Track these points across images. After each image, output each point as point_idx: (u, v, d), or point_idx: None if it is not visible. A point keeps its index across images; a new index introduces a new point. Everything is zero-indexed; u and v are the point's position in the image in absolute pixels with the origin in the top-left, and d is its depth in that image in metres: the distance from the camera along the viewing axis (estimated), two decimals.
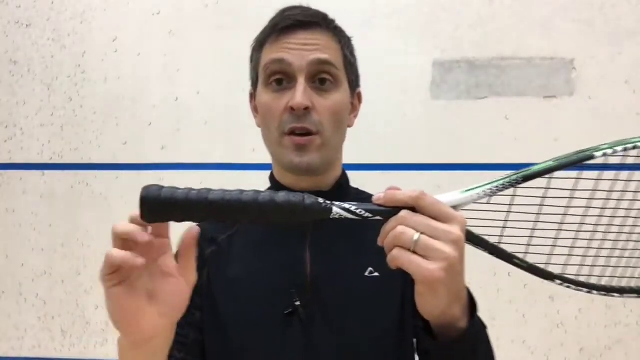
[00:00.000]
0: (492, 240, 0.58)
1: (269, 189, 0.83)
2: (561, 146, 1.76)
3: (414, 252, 0.50)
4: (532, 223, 0.64)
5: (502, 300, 1.79)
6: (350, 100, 0.81)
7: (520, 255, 0.60)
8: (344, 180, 0.85)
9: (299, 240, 0.76)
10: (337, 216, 0.53)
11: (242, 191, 0.53)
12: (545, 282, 0.59)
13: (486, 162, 1.79)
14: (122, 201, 1.95)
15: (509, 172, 0.58)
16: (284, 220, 0.53)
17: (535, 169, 0.59)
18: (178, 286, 0.56)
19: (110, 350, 1.98)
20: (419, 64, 1.82)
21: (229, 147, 1.89)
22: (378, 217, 0.53)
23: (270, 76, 0.75)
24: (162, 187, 0.53)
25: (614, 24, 1.76)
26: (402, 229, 0.51)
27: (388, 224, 0.53)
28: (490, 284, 1.78)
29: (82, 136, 1.98)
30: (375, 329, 0.73)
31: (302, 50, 0.74)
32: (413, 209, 0.52)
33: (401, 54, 1.81)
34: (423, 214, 0.51)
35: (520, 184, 0.58)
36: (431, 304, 0.53)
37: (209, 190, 0.53)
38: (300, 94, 0.72)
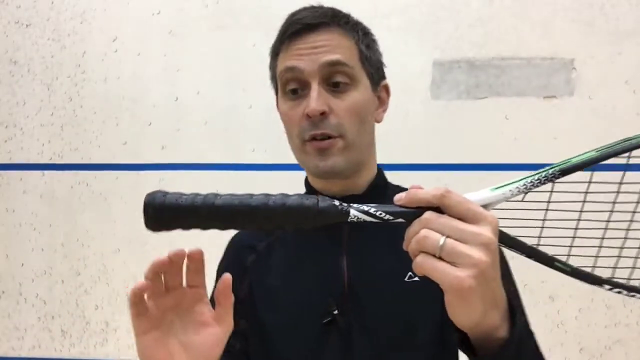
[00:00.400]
0: (530, 242, 0.53)
1: (305, 193, 0.82)
2: (561, 146, 1.76)
3: (440, 258, 0.45)
4: (574, 222, 0.57)
5: None
6: (374, 94, 0.78)
7: (563, 258, 0.54)
8: (379, 180, 0.82)
9: (335, 247, 0.75)
10: (355, 219, 0.49)
11: (251, 195, 0.50)
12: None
13: (486, 162, 1.79)
14: (122, 201, 1.95)
15: (545, 168, 0.52)
16: (298, 225, 0.50)
17: (574, 161, 0.52)
18: (213, 335, 0.56)
19: (110, 350, 1.98)
20: (419, 64, 1.82)
21: (228, 147, 1.89)
22: (400, 220, 0.49)
23: (285, 85, 0.74)
24: (167, 193, 0.51)
25: (614, 24, 1.76)
26: (425, 232, 0.46)
27: (411, 227, 0.48)
28: None
29: (82, 136, 1.98)
30: (416, 335, 0.71)
31: (312, 54, 0.72)
32: (438, 209, 0.47)
33: (401, 54, 1.81)
34: (449, 214, 0.46)
35: (558, 178, 0.52)
36: (464, 315, 0.48)
37: (216, 195, 0.50)
38: (314, 100, 0.70)
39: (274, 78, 0.79)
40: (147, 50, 1.95)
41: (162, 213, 0.49)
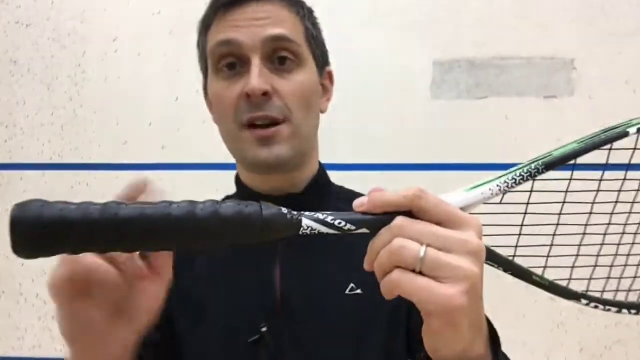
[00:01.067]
0: (506, 252, 0.47)
1: (235, 193, 0.74)
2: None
3: (420, 273, 0.36)
4: (552, 227, 0.50)
5: (502, 300, 1.79)
6: (320, 80, 0.69)
7: (539, 270, 0.48)
8: (321, 177, 0.72)
9: (267, 254, 0.66)
10: (308, 231, 0.39)
11: (170, 203, 0.38)
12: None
13: (486, 162, 1.79)
14: None
15: (524, 162, 0.46)
16: (235, 242, 0.38)
17: (557, 153, 0.46)
18: (150, 292, 0.44)
19: None
20: (419, 64, 1.82)
21: None
22: (364, 230, 0.39)
23: (218, 61, 0.64)
24: (46, 203, 0.37)
25: (614, 24, 1.76)
26: (400, 241, 0.37)
27: (378, 238, 0.38)
28: (490, 284, 1.77)
29: (82, 136, 1.98)
30: (357, 357, 0.62)
31: (253, 27, 0.62)
32: (408, 214, 0.38)
33: (401, 54, 1.81)
34: (424, 219, 0.38)
35: (541, 174, 0.45)
36: (449, 343, 0.38)
37: (119, 204, 0.37)
38: (255, 76, 0.60)
39: (202, 57, 0.70)
40: (147, 50, 1.94)
41: (40, 231, 0.36)
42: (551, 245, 0.52)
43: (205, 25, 0.68)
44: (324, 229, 0.40)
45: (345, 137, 1.75)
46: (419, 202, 0.38)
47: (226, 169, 1.88)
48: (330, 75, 0.74)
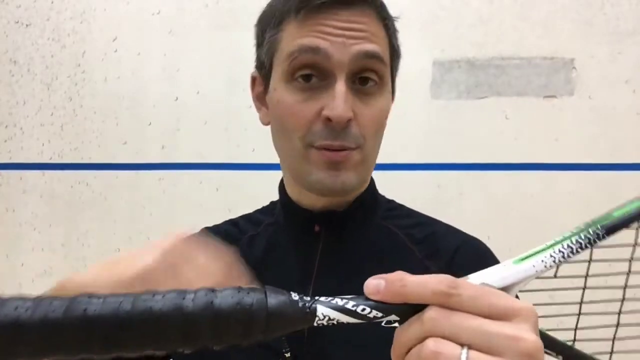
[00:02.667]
0: (564, 336, 0.40)
1: (279, 202, 0.69)
2: (561, 146, 1.77)
3: None
4: (616, 303, 0.42)
5: None
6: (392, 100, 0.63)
7: (605, 358, 0.42)
8: (367, 195, 0.65)
9: (303, 269, 0.61)
10: (325, 321, 0.32)
11: (153, 293, 0.31)
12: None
13: (486, 161, 1.79)
14: (121, 201, 1.95)
15: (579, 227, 0.37)
16: (232, 341, 0.31)
17: (618, 215, 0.37)
18: None
19: None
20: (419, 63, 1.82)
21: (229, 147, 1.88)
22: (393, 317, 0.33)
23: (297, 69, 0.56)
24: None
25: (614, 24, 1.76)
26: (434, 345, 0.30)
27: (406, 330, 0.32)
28: None
29: (82, 136, 1.98)
30: None
31: (345, 38, 0.54)
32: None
33: (401, 53, 1.81)
34: (462, 311, 0.31)
35: (601, 240, 0.37)
36: None
37: (90, 297, 0.30)
38: (341, 101, 0.53)
39: (269, 53, 0.59)
40: (147, 50, 1.94)
41: None
42: (617, 325, 0.44)
43: (280, 20, 0.58)
44: (344, 318, 0.33)
45: None
46: (450, 300, 0.31)
47: (226, 169, 1.88)
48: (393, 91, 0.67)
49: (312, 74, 0.55)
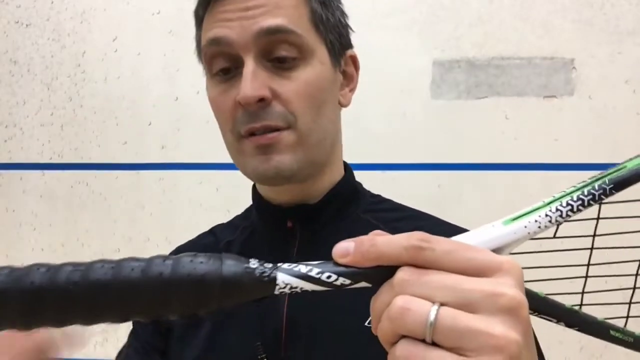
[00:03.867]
0: (570, 300, 0.36)
1: (251, 205, 0.68)
2: (561, 146, 1.77)
3: (434, 344, 0.27)
4: (633, 264, 0.38)
5: None
6: (336, 69, 0.59)
7: (619, 323, 0.36)
8: (344, 186, 0.62)
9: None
10: (287, 290, 0.30)
11: (102, 262, 0.30)
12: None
13: (486, 161, 1.79)
14: (122, 201, 1.95)
15: (585, 181, 0.33)
16: (186, 310, 0.30)
17: (632, 166, 0.33)
18: None
19: (110, 350, 1.98)
20: (419, 64, 1.82)
21: None
22: (363, 284, 0.30)
23: (211, 63, 0.56)
24: None
25: (614, 24, 1.76)
26: (402, 302, 0.27)
27: (377, 297, 0.30)
28: None
29: (82, 136, 1.98)
30: None
31: (244, 19, 0.52)
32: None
33: (401, 54, 1.81)
34: (435, 268, 0.28)
35: (608, 195, 0.32)
36: None
37: (36, 267, 0.29)
38: (247, 82, 0.51)
39: (199, 55, 0.60)
40: (147, 50, 1.94)
41: None
42: (634, 288, 0.39)
43: (199, 19, 0.58)
44: (308, 286, 0.30)
45: (345, 136, 1.75)
46: (423, 255, 0.28)
47: (226, 168, 1.88)
48: (353, 60, 0.63)
49: (229, 66, 0.55)
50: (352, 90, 0.63)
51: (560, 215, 0.32)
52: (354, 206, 0.63)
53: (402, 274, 0.28)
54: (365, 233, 0.59)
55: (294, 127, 0.54)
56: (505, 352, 0.26)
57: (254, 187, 0.66)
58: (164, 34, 1.93)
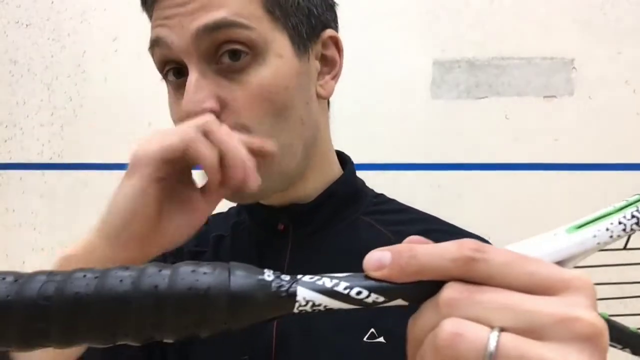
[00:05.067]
0: (634, 322, 0.31)
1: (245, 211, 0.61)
2: (561, 146, 1.77)
3: None
4: None
5: None
6: (303, 59, 0.49)
7: None
8: (341, 186, 0.56)
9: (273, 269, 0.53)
10: (308, 308, 0.25)
11: (84, 271, 0.25)
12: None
13: (486, 161, 1.79)
14: None
15: None
16: (187, 333, 0.25)
17: None
18: (196, 213, 0.43)
19: None
20: (419, 64, 1.82)
21: None
22: (399, 302, 0.25)
23: (160, 65, 0.51)
24: None
25: (614, 24, 1.76)
26: (453, 326, 0.22)
27: (419, 318, 0.24)
28: None
29: (82, 136, 1.98)
30: None
31: (182, 16, 0.45)
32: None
33: (401, 54, 1.81)
34: (490, 285, 0.23)
35: None
36: None
37: (1, 276, 0.24)
38: (189, 94, 0.44)
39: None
40: (147, 50, 1.94)
41: None
42: None
43: (148, 14, 0.52)
44: (334, 304, 0.25)
45: (344, 136, 1.74)
46: (476, 268, 0.23)
47: None
48: (335, 42, 0.54)
49: (178, 67, 0.47)
50: (335, 77, 0.54)
51: (636, 223, 0.27)
52: (353, 207, 0.56)
53: (450, 292, 0.23)
54: (366, 237, 0.53)
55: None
56: None
57: None
58: None
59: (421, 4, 1.83)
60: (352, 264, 0.30)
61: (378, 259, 0.25)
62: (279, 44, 0.47)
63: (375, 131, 1.76)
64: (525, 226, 1.71)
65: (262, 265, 0.27)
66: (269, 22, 0.46)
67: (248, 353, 0.49)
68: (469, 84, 1.81)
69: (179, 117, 0.47)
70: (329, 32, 0.52)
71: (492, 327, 0.22)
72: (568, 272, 0.23)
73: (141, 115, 1.95)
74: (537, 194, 1.76)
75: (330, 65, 0.54)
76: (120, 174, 0.44)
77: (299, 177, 0.52)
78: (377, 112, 1.78)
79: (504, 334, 0.21)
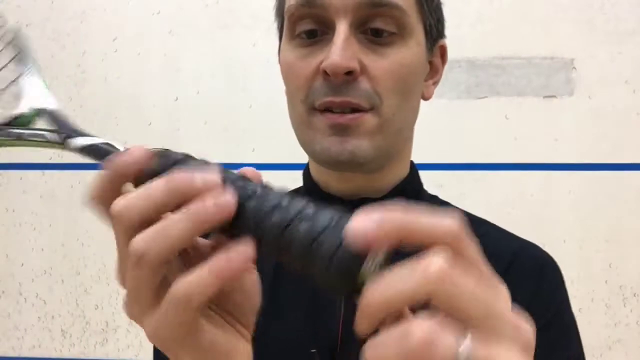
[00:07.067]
0: None
1: (302, 189, 0.59)
2: (561, 146, 1.77)
3: None
4: None
5: None
6: (427, 58, 0.53)
7: None
8: (410, 184, 0.57)
9: None
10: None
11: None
12: None
13: (486, 161, 1.79)
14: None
15: None
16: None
17: None
18: (249, 284, 0.34)
19: (110, 350, 1.98)
20: None
21: (229, 147, 1.89)
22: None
23: (296, 24, 0.49)
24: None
25: (614, 24, 1.76)
26: (428, 330, 0.21)
27: (394, 282, 0.22)
28: None
29: None
30: None
31: None
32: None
33: None
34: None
35: None
36: None
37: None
38: (338, 48, 0.45)
39: (279, 13, 0.54)
40: (147, 50, 1.94)
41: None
42: None
43: None
44: None
45: None
46: (459, 246, 0.22)
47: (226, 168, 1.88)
48: (443, 51, 0.57)
49: (315, 28, 0.48)
50: (436, 83, 0.58)
51: None
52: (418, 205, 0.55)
53: (443, 262, 0.21)
54: None
55: (378, 110, 0.48)
56: None
57: (306, 170, 0.58)
58: (164, 34, 1.93)
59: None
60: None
61: (363, 225, 0.23)
62: (418, 35, 0.50)
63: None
64: (525, 225, 1.71)
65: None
66: (416, 13, 0.50)
67: (315, 344, 0.48)
68: (469, 84, 1.81)
69: (309, 71, 0.48)
70: (442, 41, 0.56)
71: (463, 330, 0.21)
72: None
73: (141, 115, 1.95)
74: (537, 194, 1.76)
75: (434, 71, 0.57)
76: None
77: (387, 163, 0.53)
78: None
79: (474, 342, 0.21)
